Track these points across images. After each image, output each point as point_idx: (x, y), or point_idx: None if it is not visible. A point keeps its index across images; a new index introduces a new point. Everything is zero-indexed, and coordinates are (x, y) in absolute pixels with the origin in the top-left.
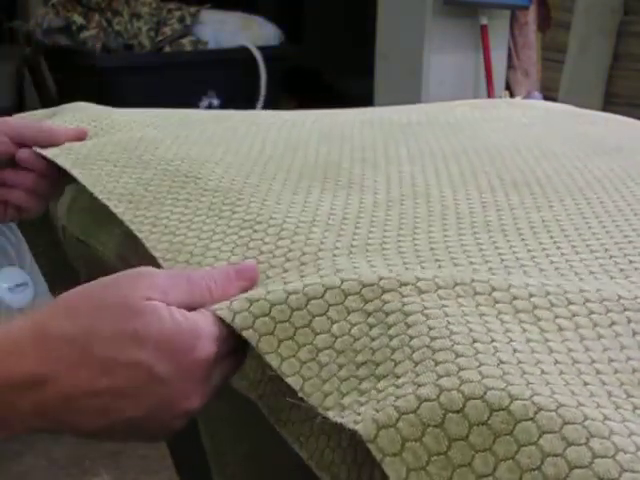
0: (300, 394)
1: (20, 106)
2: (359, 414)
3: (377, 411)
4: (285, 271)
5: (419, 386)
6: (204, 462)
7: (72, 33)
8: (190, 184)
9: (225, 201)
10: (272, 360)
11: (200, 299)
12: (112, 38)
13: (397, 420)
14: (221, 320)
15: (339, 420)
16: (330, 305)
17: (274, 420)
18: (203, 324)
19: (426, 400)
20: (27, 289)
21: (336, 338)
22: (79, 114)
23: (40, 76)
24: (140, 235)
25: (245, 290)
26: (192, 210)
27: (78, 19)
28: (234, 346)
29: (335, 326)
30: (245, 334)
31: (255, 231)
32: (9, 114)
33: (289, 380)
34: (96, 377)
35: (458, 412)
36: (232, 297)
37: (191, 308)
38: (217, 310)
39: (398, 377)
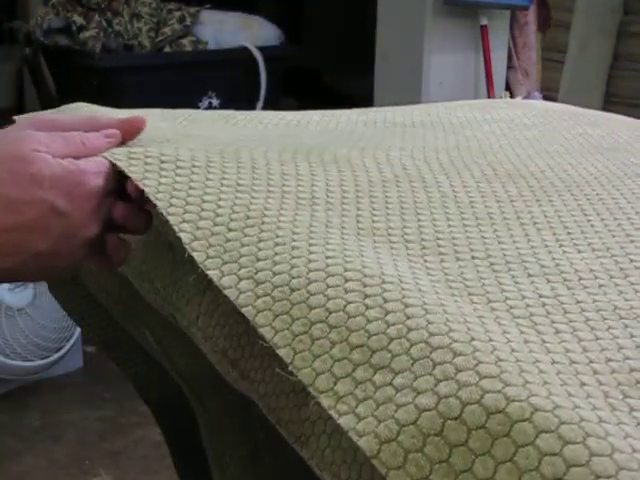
0: (290, 367)
1: (20, 106)
2: (358, 416)
3: (378, 421)
4: (294, 249)
5: (418, 394)
6: (204, 462)
7: (72, 33)
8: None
9: (210, 169)
10: (266, 333)
11: (75, 151)
12: (112, 38)
13: (398, 433)
14: (104, 161)
15: (334, 416)
16: (329, 287)
17: (275, 420)
18: (85, 165)
19: (425, 410)
20: (27, 289)
21: (330, 313)
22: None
23: (40, 76)
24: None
25: (112, 145)
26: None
27: (78, 19)
28: (116, 184)
29: (330, 302)
30: (244, 310)
31: (254, 197)
32: (9, 114)
33: (280, 352)
34: (5, 216)
35: (456, 419)
36: (101, 150)
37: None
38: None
39: (396, 373)
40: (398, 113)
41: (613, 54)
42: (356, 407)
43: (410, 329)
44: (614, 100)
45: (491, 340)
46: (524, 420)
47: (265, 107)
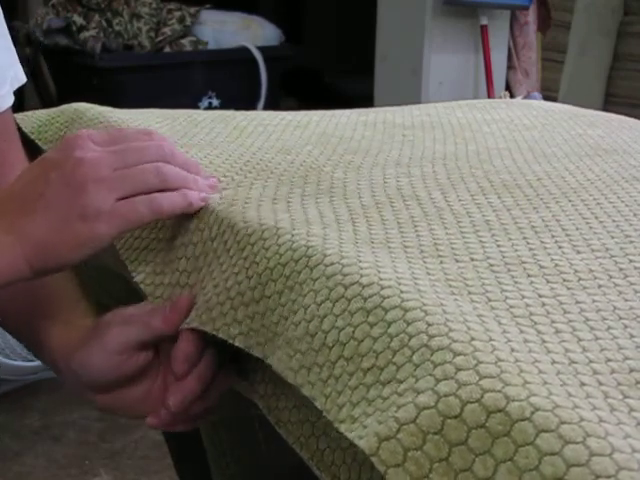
0: (324, 413)
1: (20, 106)
2: (365, 427)
3: (379, 423)
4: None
5: (418, 393)
6: (204, 462)
7: (72, 33)
8: None
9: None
10: (306, 392)
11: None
12: (112, 38)
13: (397, 431)
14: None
15: (349, 435)
16: (337, 316)
17: (274, 421)
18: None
19: (425, 408)
20: None
21: (344, 346)
22: (87, 117)
23: (40, 76)
24: None
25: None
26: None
27: (78, 19)
28: None
29: (342, 333)
30: (282, 373)
31: (252, 244)
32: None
33: (317, 404)
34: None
35: (456, 417)
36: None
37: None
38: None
39: (400, 382)
40: (398, 114)
41: (613, 54)
42: (365, 421)
43: (411, 336)
44: (614, 100)
45: (491, 340)
46: (524, 419)
47: (265, 107)
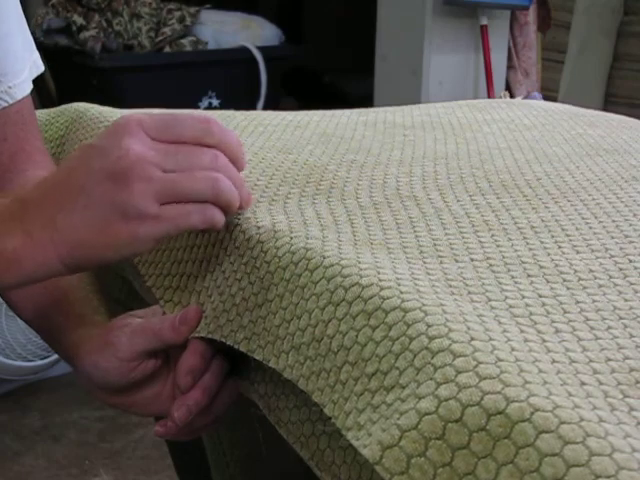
0: (333, 420)
1: None
2: (370, 434)
3: (383, 431)
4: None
5: (420, 399)
6: (204, 462)
7: (72, 33)
8: None
9: None
10: (316, 398)
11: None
12: (112, 38)
13: (400, 438)
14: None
15: (355, 444)
16: (340, 320)
17: (275, 421)
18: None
19: (426, 414)
20: None
21: (348, 350)
22: (87, 117)
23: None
24: None
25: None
26: None
27: (78, 19)
28: None
29: (346, 338)
30: (286, 375)
31: (251, 249)
32: None
33: (326, 410)
34: None
35: (457, 421)
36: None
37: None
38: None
39: (403, 388)
40: (398, 114)
41: (613, 54)
42: (370, 428)
43: (411, 338)
44: (614, 100)
45: (491, 339)
46: (524, 421)
47: (265, 107)
